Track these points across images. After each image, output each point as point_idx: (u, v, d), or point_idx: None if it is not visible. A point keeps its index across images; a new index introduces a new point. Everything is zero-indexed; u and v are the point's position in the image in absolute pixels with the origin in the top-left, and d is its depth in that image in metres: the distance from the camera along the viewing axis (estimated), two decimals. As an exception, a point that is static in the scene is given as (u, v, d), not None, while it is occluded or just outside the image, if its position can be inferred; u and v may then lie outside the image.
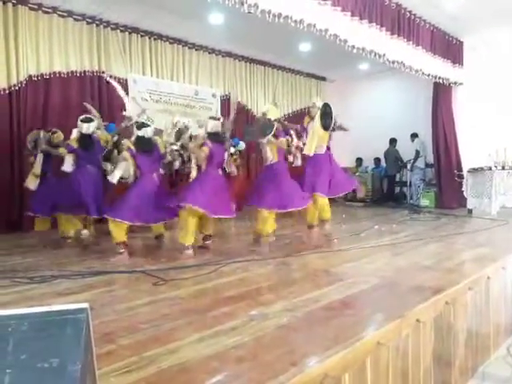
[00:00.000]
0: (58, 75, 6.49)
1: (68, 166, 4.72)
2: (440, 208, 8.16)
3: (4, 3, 5.96)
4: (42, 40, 6.33)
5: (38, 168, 5.01)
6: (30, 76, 6.21)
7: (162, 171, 4.53)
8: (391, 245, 4.46)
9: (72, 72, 6.64)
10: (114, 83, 5.39)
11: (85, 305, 1.05)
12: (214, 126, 4.26)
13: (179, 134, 5.24)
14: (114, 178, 4.33)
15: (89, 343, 1.06)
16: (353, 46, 5.46)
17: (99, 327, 2.09)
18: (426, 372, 2.38)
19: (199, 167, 4.39)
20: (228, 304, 2.52)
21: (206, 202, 3.98)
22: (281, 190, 4.32)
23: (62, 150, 4.79)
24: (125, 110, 4.81)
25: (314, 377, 1.63)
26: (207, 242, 4.45)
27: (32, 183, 5.03)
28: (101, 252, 4.29)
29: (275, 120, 4.50)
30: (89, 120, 4.70)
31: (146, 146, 4.31)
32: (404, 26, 6.39)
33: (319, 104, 4.81)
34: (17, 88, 6.08)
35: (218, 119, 4.40)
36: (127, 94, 7.21)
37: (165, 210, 4.19)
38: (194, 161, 4.48)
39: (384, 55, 6.03)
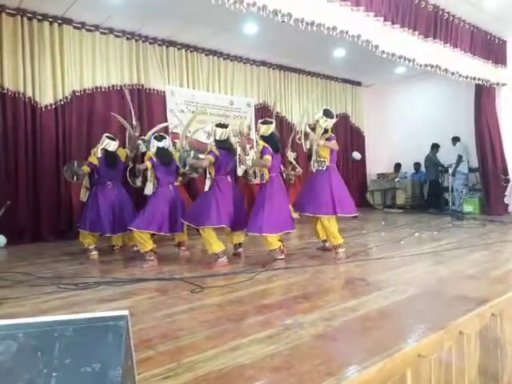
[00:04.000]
0: (99, 90, 6.79)
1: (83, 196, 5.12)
2: (486, 214, 7.81)
3: (50, 24, 6.32)
4: (85, 56, 6.66)
5: (87, 181, 5.23)
6: (74, 91, 6.53)
7: (176, 183, 4.67)
8: (432, 253, 4.32)
9: (113, 86, 6.93)
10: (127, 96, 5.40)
11: (125, 312, 1.09)
12: (222, 133, 4.25)
13: None
14: (148, 190, 4.50)
15: (129, 349, 1.10)
16: (383, 52, 5.36)
17: (139, 333, 2.15)
18: (472, 386, 2.27)
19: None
20: (264, 312, 2.52)
21: (219, 218, 3.97)
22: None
23: (85, 169, 4.91)
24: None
25: (352, 388, 1.60)
26: (239, 250, 4.47)
27: (84, 196, 5.26)
28: (140, 260, 4.40)
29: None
30: (114, 138, 4.87)
31: (166, 158, 4.50)
32: (441, 27, 6.21)
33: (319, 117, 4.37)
34: (62, 103, 6.41)
35: (226, 126, 4.32)
36: (165, 106, 7.47)
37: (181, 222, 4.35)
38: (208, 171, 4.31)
39: (414, 60, 5.87)
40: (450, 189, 8.71)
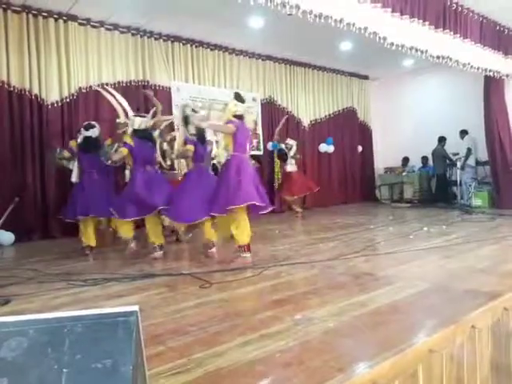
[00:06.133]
0: (106, 86, 6.78)
1: (74, 176, 5.06)
2: (497, 208, 7.73)
3: (56, 20, 6.32)
4: (90, 53, 6.67)
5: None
6: (80, 88, 6.54)
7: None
8: (442, 247, 4.27)
9: (118, 82, 6.92)
10: (108, 93, 5.11)
11: (135, 307, 1.08)
12: (141, 122, 4.22)
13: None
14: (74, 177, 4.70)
15: (139, 345, 1.09)
16: (392, 44, 5.29)
17: (149, 329, 2.15)
18: (484, 382, 2.25)
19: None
20: (273, 308, 2.51)
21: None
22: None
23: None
24: (118, 118, 4.89)
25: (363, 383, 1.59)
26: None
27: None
28: (147, 255, 4.41)
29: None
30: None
31: (89, 148, 4.68)
32: (450, 18, 6.12)
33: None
34: (68, 100, 6.42)
35: (145, 116, 4.31)
36: (170, 101, 7.44)
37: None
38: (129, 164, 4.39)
39: (426, 51, 5.78)
40: (458, 182, 8.63)
